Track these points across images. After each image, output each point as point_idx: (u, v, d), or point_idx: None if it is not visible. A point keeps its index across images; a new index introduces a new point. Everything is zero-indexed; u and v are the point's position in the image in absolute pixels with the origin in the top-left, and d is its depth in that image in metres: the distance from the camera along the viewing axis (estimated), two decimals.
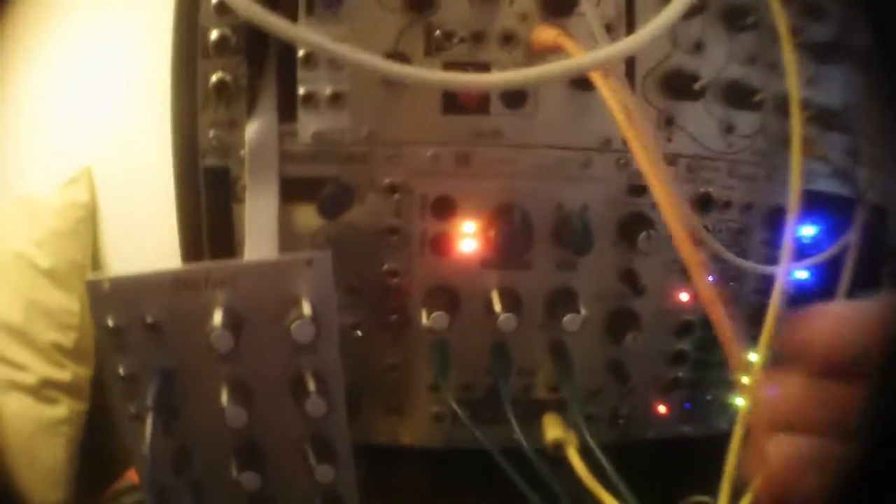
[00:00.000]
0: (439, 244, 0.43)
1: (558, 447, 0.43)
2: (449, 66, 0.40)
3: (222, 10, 0.41)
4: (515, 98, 0.41)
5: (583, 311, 0.42)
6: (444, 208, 0.42)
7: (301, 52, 0.41)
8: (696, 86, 0.41)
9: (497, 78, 0.31)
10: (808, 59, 0.44)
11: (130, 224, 0.66)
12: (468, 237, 0.43)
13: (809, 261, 0.44)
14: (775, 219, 0.47)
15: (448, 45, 0.40)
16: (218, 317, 0.36)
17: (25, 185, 0.67)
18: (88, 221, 0.64)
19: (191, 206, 0.44)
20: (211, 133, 0.43)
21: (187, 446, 0.40)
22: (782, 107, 0.46)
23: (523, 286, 0.44)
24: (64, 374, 0.63)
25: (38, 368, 0.62)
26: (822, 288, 0.47)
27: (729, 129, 0.44)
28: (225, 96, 0.42)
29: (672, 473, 0.46)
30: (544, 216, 0.42)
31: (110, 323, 0.38)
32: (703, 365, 0.48)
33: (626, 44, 0.30)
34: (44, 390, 0.62)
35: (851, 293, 0.45)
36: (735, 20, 0.44)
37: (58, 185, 0.65)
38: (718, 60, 0.44)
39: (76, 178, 0.65)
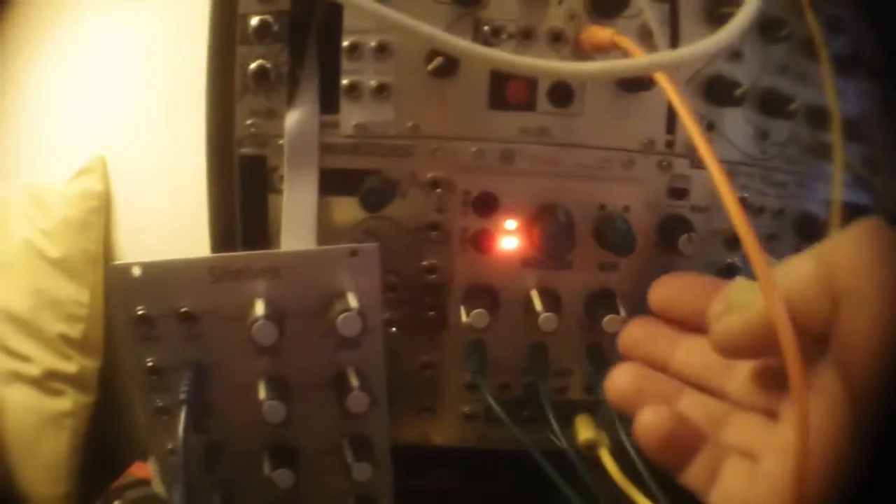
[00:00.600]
0: (480, 241, 0.42)
1: (591, 448, 0.42)
2: None
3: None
4: (562, 96, 0.41)
5: (622, 313, 0.41)
6: (487, 205, 0.42)
7: (346, 42, 0.40)
8: (737, 92, 0.41)
9: (573, 67, 0.30)
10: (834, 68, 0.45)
11: (145, 215, 0.65)
12: (510, 235, 0.42)
13: None
14: (805, 225, 0.48)
15: (496, 41, 0.40)
16: (260, 307, 0.35)
17: (37, 174, 0.65)
18: (101, 211, 0.63)
19: (224, 195, 0.43)
20: (249, 121, 0.42)
21: (219, 442, 0.39)
22: (812, 116, 0.47)
23: (563, 286, 0.43)
24: (70, 366, 0.61)
25: (44, 360, 0.60)
26: None
27: (763, 136, 0.45)
28: (265, 84, 0.41)
29: None
30: (586, 216, 0.42)
31: (140, 311, 0.37)
32: None
33: (699, 47, 0.30)
34: (48, 382, 0.60)
35: None
36: (771, 31, 0.44)
37: (70, 174, 0.63)
38: (754, 69, 0.44)
39: (89, 168, 0.63)
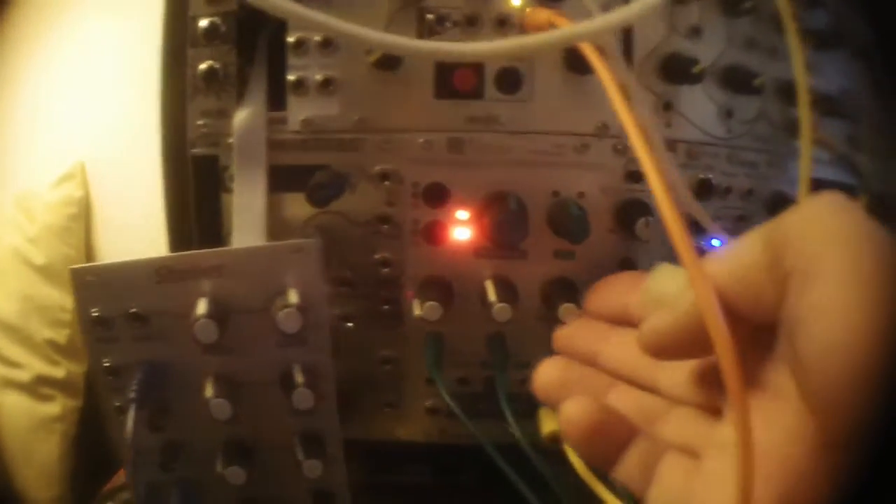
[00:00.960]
0: (432, 233, 0.42)
1: (555, 440, 0.42)
2: None
3: None
4: (510, 82, 0.40)
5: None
6: (437, 196, 0.41)
7: (292, 38, 0.40)
8: (695, 69, 0.40)
9: (486, 47, 0.30)
10: (806, 45, 0.43)
11: (124, 219, 0.66)
12: (461, 225, 0.41)
13: None
14: (777, 205, 0.46)
15: (441, 30, 0.39)
16: (202, 306, 0.35)
17: (23, 182, 0.66)
18: (81, 217, 0.64)
19: (178, 196, 0.43)
20: (200, 122, 0.42)
21: (177, 441, 0.39)
22: (783, 92, 0.45)
23: (519, 276, 0.43)
24: (58, 371, 0.63)
25: (34, 365, 0.62)
26: None
27: (728, 114, 0.43)
28: (214, 85, 0.42)
29: None
30: (540, 203, 0.41)
31: (94, 313, 0.37)
32: None
33: (618, 14, 0.29)
34: (39, 387, 0.62)
35: None
36: (732, 5, 0.43)
37: (52, 181, 0.64)
38: (716, 45, 0.43)
39: (69, 174, 0.64)
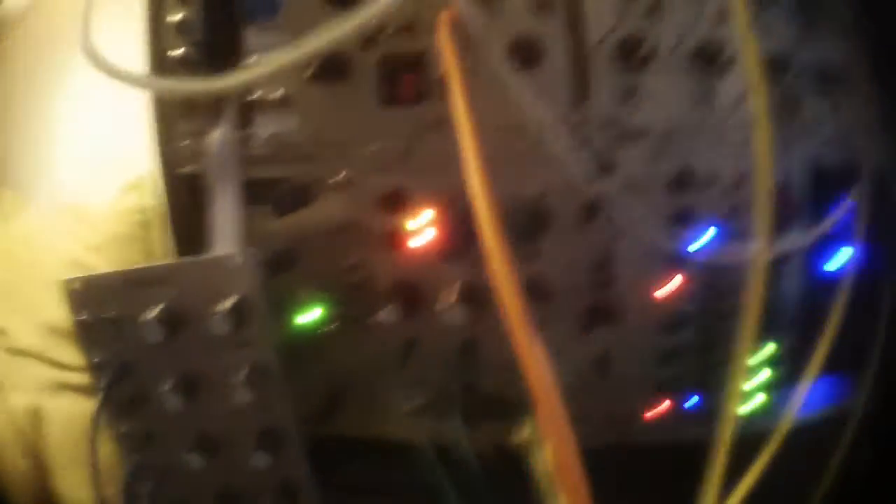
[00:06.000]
0: (394, 239, 0.43)
1: (524, 449, 0.42)
2: (387, 57, 0.41)
3: (181, 30, 0.44)
4: None
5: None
6: (395, 202, 0.43)
7: (252, 59, 0.44)
8: (646, 51, 0.38)
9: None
10: (794, 15, 0.40)
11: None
12: (422, 230, 0.43)
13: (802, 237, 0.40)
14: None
15: (381, 38, 0.41)
16: (152, 311, 0.40)
17: (75, 193, 0.74)
18: (151, 226, 0.70)
19: (178, 210, 0.48)
20: (184, 142, 0.47)
21: (150, 432, 0.44)
22: (773, 71, 0.42)
23: (486, 277, 0.43)
24: None
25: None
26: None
27: (703, 97, 0.41)
28: (195, 108, 0.46)
29: (671, 480, 0.44)
30: (499, 205, 0.42)
31: (81, 318, 0.43)
32: (702, 364, 0.45)
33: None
34: (91, 390, 0.69)
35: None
36: None
37: (116, 190, 0.71)
38: (681, 24, 0.41)
39: (136, 184, 0.71)
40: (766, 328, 0.45)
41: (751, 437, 0.40)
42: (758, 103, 0.36)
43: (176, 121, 0.47)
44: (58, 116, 0.76)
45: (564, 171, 0.41)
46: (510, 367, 0.44)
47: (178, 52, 0.46)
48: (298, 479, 0.42)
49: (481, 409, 0.44)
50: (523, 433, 0.43)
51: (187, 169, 0.47)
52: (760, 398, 0.46)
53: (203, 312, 0.41)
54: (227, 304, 0.39)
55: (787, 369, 0.45)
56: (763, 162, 0.36)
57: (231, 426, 0.42)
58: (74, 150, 0.76)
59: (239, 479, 0.43)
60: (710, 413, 0.45)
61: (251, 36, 0.43)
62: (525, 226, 0.41)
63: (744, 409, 0.45)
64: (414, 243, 0.43)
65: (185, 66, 0.46)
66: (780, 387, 0.45)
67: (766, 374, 0.45)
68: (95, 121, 0.77)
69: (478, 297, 0.43)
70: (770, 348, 0.45)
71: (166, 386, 0.41)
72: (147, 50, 0.46)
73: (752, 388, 0.46)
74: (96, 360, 0.43)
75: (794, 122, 0.43)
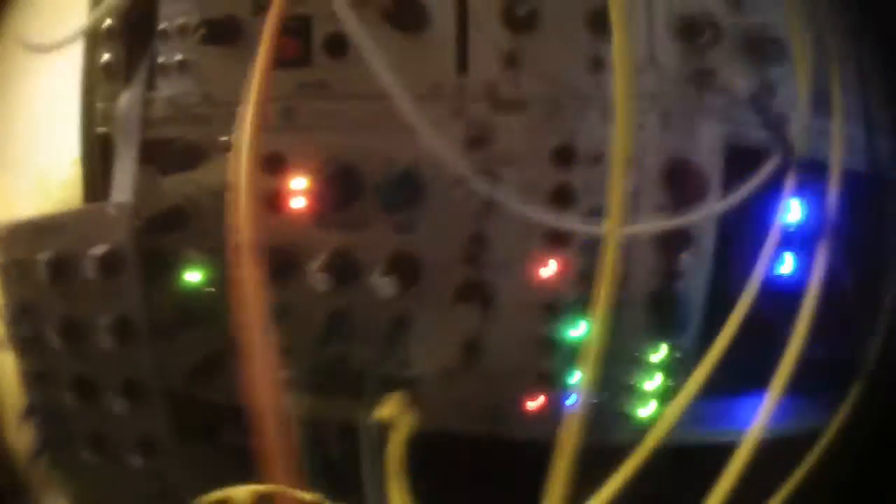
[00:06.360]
0: (272, 201, 0.43)
1: (386, 428, 0.40)
2: None
3: None
4: (337, 46, 0.41)
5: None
6: (274, 165, 0.43)
7: (160, 27, 0.45)
8: (525, 10, 0.37)
9: None
10: None
11: None
12: (298, 194, 0.42)
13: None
14: (676, 176, 0.40)
15: (269, 3, 0.41)
16: (43, 255, 0.41)
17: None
18: None
19: (89, 168, 0.50)
20: (101, 105, 0.49)
21: (41, 372, 0.45)
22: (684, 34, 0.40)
23: (360, 248, 0.42)
24: None
25: None
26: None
27: (597, 63, 0.39)
28: (110, 74, 0.48)
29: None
30: (375, 171, 0.41)
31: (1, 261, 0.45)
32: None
33: None
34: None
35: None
36: None
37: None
38: None
39: None
40: (660, 329, 0.42)
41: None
42: (619, 62, 0.33)
43: (96, 85, 0.49)
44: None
45: (429, 143, 0.40)
46: (378, 342, 0.43)
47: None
48: (158, 432, 0.42)
49: (346, 385, 0.42)
50: (384, 411, 0.41)
51: (102, 129, 0.49)
52: (653, 405, 0.42)
53: (80, 260, 0.42)
54: (98, 251, 0.40)
55: (681, 378, 0.41)
56: (621, 132, 0.33)
57: (98, 372, 0.43)
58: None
59: (107, 425, 0.43)
60: (599, 413, 0.42)
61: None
62: (396, 193, 0.40)
63: (631, 411, 0.42)
64: (289, 208, 0.43)
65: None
66: (669, 396, 0.41)
67: (658, 379, 0.42)
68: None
69: (347, 267, 0.42)
70: (663, 350, 0.41)
71: (51, 328, 0.42)
72: None
73: (646, 392, 0.42)
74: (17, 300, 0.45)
75: (704, 93, 0.40)
